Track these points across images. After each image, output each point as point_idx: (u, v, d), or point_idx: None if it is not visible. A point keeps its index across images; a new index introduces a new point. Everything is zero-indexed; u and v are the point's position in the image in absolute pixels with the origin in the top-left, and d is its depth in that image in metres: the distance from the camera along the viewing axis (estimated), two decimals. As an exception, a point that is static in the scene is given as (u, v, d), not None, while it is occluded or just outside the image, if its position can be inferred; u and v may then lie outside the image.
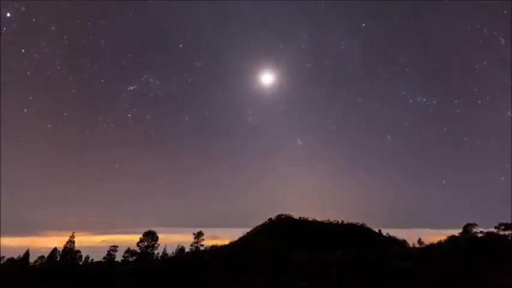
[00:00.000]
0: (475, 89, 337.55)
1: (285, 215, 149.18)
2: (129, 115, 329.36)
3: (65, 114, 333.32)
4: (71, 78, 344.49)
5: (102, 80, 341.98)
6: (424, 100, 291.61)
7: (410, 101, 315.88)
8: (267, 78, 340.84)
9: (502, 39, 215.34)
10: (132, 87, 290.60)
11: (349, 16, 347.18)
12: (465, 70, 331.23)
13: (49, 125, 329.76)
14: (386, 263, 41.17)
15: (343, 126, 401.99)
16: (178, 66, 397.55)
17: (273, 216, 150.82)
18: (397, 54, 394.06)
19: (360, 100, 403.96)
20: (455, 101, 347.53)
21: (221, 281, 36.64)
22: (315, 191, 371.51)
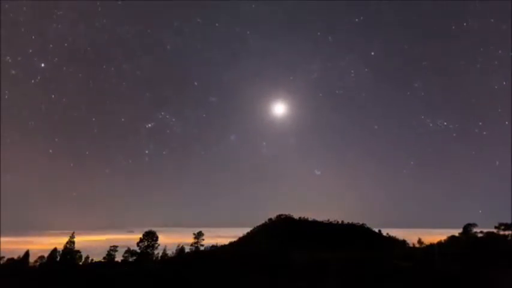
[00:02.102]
0: (499, 110, 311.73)
1: (285, 215, 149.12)
2: (147, 151, 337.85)
3: (87, 153, 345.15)
4: (94, 119, 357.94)
5: (122, 119, 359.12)
6: (445, 123, 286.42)
7: (431, 125, 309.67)
8: (280, 108, 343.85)
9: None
10: (149, 125, 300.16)
11: (357, 46, 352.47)
12: (484, 91, 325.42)
13: (71, 164, 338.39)
14: (386, 263, 41.15)
15: (361, 154, 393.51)
16: (194, 102, 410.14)
17: (273, 216, 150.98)
18: (410, 79, 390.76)
19: (376, 127, 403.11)
20: (480, 123, 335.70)
21: (221, 281, 36.60)
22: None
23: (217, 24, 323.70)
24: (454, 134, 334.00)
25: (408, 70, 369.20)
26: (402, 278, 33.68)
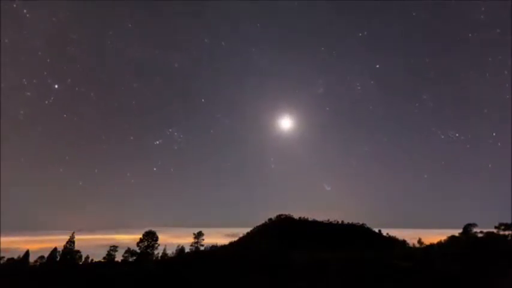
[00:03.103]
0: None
1: (285, 215, 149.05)
2: (155, 169, 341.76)
3: (96, 171, 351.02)
4: (103, 137, 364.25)
5: (131, 138, 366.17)
6: (457, 135, 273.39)
7: (442, 136, 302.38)
8: (286, 123, 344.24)
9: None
10: (158, 142, 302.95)
11: (362, 60, 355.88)
12: (494, 101, 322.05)
13: (80, 183, 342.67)
14: (386, 263, 41.14)
15: (372, 168, 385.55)
16: (201, 119, 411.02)
17: (273, 216, 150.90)
18: (418, 91, 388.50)
19: (385, 139, 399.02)
20: (493, 134, 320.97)
21: (221, 281, 36.60)
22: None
23: (223, 43, 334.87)
24: (468, 145, 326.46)
25: (415, 82, 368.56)
26: (402, 278, 33.67)
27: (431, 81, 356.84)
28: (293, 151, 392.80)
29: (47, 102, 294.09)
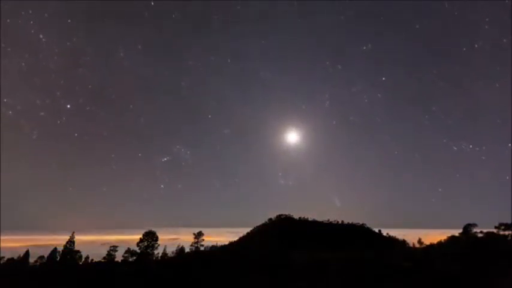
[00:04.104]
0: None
1: (285, 215, 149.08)
2: (162, 186, 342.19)
3: (104, 189, 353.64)
4: (113, 155, 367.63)
5: (139, 154, 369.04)
6: (470, 146, 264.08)
7: (455, 148, 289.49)
8: (293, 137, 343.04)
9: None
10: (165, 159, 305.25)
11: (367, 73, 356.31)
12: (506, 111, 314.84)
13: (87, 199, 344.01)
14: (386, 263, 41.15)
15: (383, 182, 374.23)
16: (208, 135, 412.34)
17: (273, 216, 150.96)
18: (427, 103, 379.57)
19: (396, 152, 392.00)
20: (509, 145, 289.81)
21: (221, 282, 36.60)
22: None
23: (229, 61, 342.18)
24: (483, 157, 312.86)
25: (424, 94, 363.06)
26: (402, 278, 33.68)
27: (440, 93, 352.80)
28: (301, 166, 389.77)
29: (59, 122, 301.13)
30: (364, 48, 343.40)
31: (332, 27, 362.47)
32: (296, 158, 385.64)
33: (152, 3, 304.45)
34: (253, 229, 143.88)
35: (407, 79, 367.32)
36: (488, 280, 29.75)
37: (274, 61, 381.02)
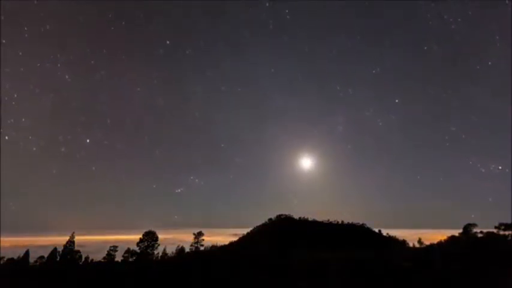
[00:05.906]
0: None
1: (285, 215, 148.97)
2: (176, 217, 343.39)
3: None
4: (126, 187, 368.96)
5: (154, 186, 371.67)
6: (500, 168, 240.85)
7: (482, 170, 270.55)
8: (306, 163, 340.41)
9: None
10: (179, 190, 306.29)
11: (379, 95, 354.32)
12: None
13: (95, 224, 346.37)
14: (386, 263, 41.15)
15: (409, 210, 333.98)
16: (221, 164, 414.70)
17: (273, 216, 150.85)
18: (443, 123, 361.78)
19: (418, 177, 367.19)
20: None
21: (221, 281, 36.59)
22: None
23: (239, 89, 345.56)
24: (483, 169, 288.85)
25: (439, 114, 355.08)
26: (402, 278, 33.68)
27: (456, 112, 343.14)
28: (315, 192, 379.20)
29: (78, 156, 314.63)
30: (374, 72, 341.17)
31: (340, 52, 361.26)
32: (310, 185, 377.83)
33: (168, 42, 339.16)
34: (253, 229, 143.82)
35: (421, 100, 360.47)
36: (488, 280, 29.75)
37: (283, 88, 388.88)
